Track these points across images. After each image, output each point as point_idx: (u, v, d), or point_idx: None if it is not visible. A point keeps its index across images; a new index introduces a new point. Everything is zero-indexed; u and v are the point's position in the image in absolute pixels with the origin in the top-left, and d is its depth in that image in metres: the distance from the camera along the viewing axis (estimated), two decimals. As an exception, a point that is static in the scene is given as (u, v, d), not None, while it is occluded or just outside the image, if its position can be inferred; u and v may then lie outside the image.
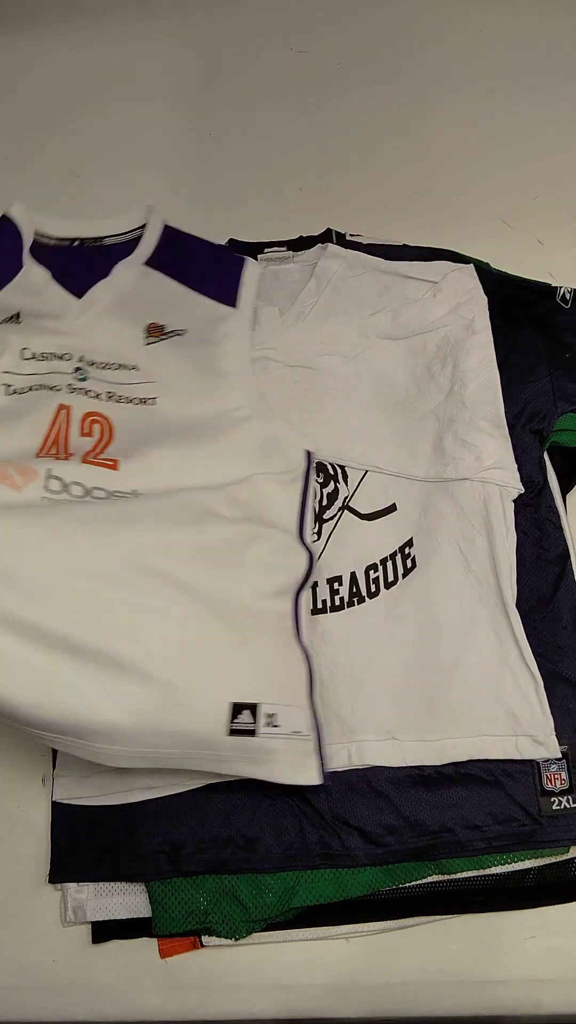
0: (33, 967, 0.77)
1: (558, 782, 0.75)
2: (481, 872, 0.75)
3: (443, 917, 0.76)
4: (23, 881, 0.79)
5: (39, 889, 0.78)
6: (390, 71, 1.17)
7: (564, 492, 0.87)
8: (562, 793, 0.75)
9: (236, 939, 0.74)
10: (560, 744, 0.76)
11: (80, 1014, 0.75)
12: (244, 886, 0.74)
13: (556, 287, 0.92)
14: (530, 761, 0.75)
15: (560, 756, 0.75)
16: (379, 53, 1.18)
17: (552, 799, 0.75)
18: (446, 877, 0.75)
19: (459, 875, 0.75)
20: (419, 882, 0.75)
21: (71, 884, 0.76)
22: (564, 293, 0.91)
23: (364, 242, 0.96)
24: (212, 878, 0.74)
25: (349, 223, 0.98)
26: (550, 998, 0.74)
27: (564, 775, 0.75)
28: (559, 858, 0.76)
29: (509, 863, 0.75)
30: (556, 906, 0.76)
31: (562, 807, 0.75)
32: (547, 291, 0.92)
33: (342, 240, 0.96)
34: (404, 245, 0.95)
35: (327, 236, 0.97)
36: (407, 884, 0.75)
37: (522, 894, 0.76)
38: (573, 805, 0.75)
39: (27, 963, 0.77)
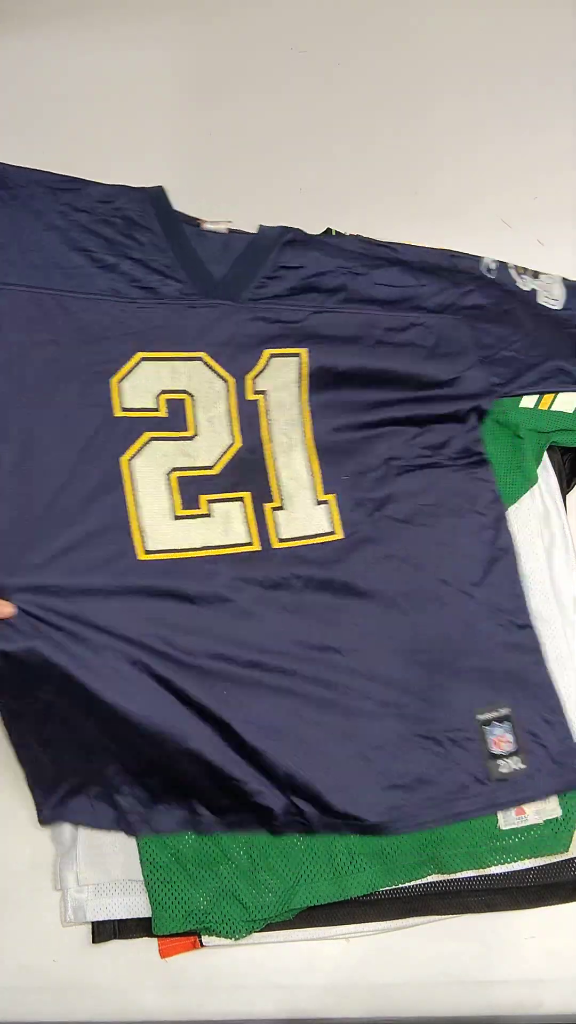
0: (33, 967, 0.77)
1: (504, 744, 0.76)
2: (481, 872, 0.75)
3: (443, 917, 0.76)
4: (23, 881, 0.79)
5: (39, 889, 0.78)
6: (390, 71, 1.16)
7: (564, 492, 0.87)
8: (509, 755, 0.75)
9: (236, 939, 0.74)
10: (502, 707, 0.76)
11: (80, 1014, 0.75)
12: (244, 886, 0.74)
13: (480, 257, 0.91)
14: (475, 727, 0.76)
15: (504, 717, 0.76)
16: (379, 53, 1.18)
17: (499, 762, 0.75)
18: (446, 877, 0.75)
19: (459, 875, 0.75)
20: (419, 882, 0.75)
21: (71, 884, 0.76)
22: (488, 263, 0.91)
23: (364, 242, 0.96)
24: (212, 877, 0.74)
25: (349, 223, 0.98)
26: (550, 998, 0.74)
27: (509, 737, 0.76)
28: (559, 858, 0.76)
29: (509, 863, 0.75)
30: (556, 906, 0.76)
31: (510, 769, 0.75)
32: (474, 268, 0.90)
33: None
34: (404, 245, 0.95)
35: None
36: (407, 884, 0.75)
37: (522, 894, 0.76)
38: (522, 766, 0.75)
39: (27, 963, 0.77)
